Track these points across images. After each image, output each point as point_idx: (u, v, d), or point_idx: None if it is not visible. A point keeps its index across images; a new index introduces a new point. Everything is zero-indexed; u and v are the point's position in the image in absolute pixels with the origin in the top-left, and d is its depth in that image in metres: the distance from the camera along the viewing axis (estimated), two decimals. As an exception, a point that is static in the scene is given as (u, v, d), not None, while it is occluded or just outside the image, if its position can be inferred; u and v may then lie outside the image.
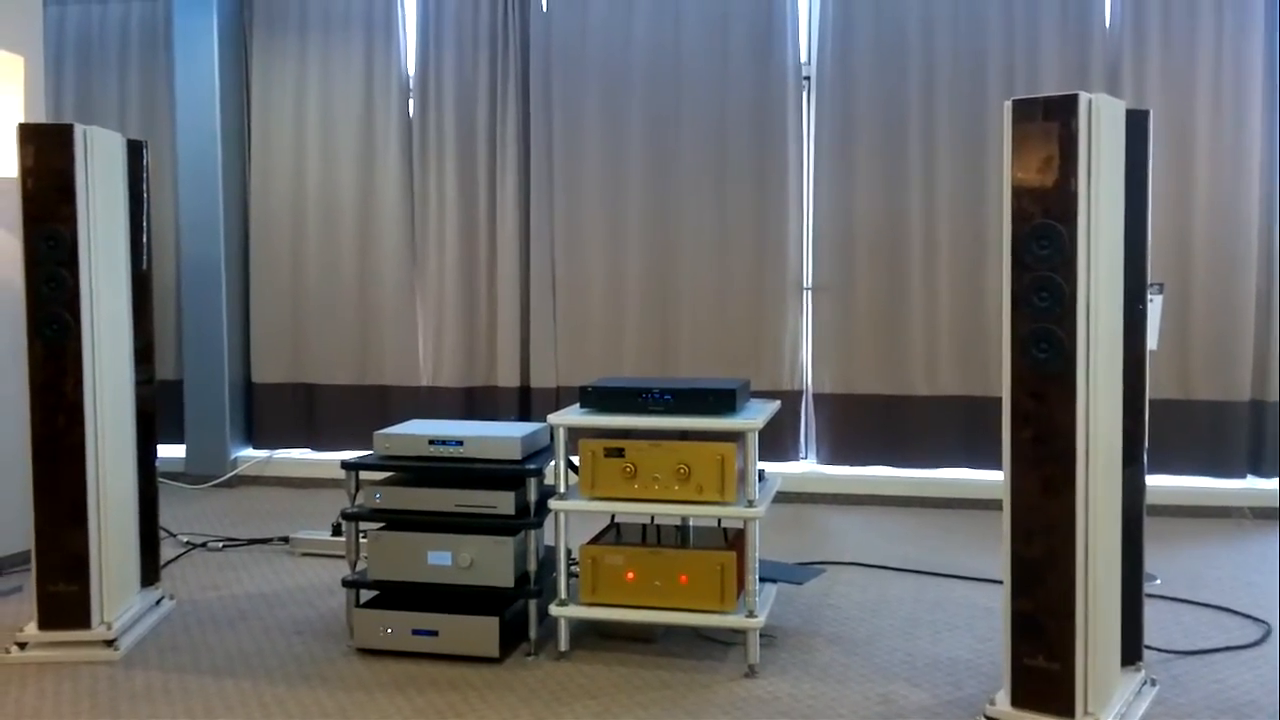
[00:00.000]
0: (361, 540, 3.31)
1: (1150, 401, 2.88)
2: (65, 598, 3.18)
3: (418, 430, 3.34)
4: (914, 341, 5.31)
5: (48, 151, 3.11)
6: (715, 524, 3.46)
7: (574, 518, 3.18)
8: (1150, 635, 3.29)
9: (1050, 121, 2.42)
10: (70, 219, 3.12)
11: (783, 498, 5.34)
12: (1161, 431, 4.99)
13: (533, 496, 3.21)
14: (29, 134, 3.12)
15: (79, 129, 3.14)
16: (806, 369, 5.51)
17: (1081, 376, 2.43)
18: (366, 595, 3.33)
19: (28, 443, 3.15)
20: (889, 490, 5.33)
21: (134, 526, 3.43)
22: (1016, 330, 2.48)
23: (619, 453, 3.09)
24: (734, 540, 3.23)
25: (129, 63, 6.02)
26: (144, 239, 3.50)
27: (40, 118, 4.34)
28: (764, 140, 5.41)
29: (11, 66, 3.63)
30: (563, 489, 3.15)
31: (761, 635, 3.19)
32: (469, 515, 3.19)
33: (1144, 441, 2.76)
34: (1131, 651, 2.80)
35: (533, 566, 3.21)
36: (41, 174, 3.11)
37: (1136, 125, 2.67)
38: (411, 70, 5.79)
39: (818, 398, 5.46)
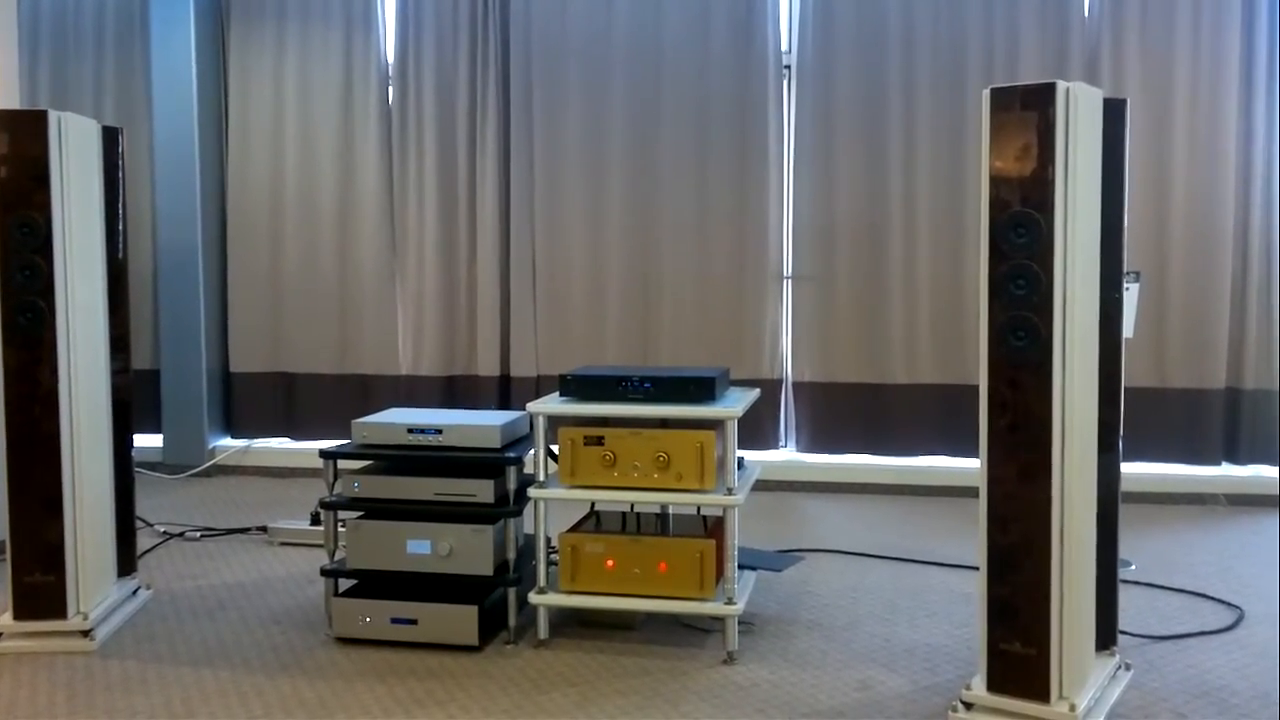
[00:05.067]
0: (340, 529, 3.30)
1: (1126, 389, 2.90)
2: (41, 588, 3.16)
3: (397, 419, 3.33)
4: (893, 330, 5.33)
5: (22, 138, 3.08)
6: (695, 512, 3.47)
7: (553, 506, 3.18)
8: (1125, 620, 3.31)
9: (1028, 110, 2.42)
10: (45, 206, 3.09)
11: (762, 485, 5.35)
12: (1137, 419, 5.03)
13: (512, 485, 3.21)
14: (2, 120, 3.09)
15: (54, 115, 3.10)
16: (786, 357, 5.52)
17: (1058, 364, 2.44)
18: (345, 584, 3.32)
19: (2, 432, 3.12)
20: (868, 478, 5.35)
21: (110, 516, 3.41)
22: (994, 318, 2.49)
23: (598, 441, 3.09)
24: (713, 528, 3.24)
25: (105, 49, 5.96)
26: (120, 227, 3.48)
27: (14, 104, 4.29)
28: (745, 129, 5.41)
29: (-16, 52, 3.59)
30: (542, 477, 3.15)
31: (740, 622, 3.20)
32: (448, 504, 3.19)
33: (1119, 429, 2.78)
34: (1106, 636, 2.82)
35: (512, 555, 3.21)
36: (15, 161, 3.08)
37: (1114, 114, 2.68)
38: (391, 58, 5.75)
39: (797, 386, 5.48)
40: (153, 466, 5.77)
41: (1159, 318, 5.10)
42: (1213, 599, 3.61)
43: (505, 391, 5.71)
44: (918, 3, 5.24)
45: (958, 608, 3.54)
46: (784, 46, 5.43)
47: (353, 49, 5.74)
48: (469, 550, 3.17)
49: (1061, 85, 2.41)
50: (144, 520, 4.68)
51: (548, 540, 3.18)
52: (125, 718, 2.71)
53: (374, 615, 3.17)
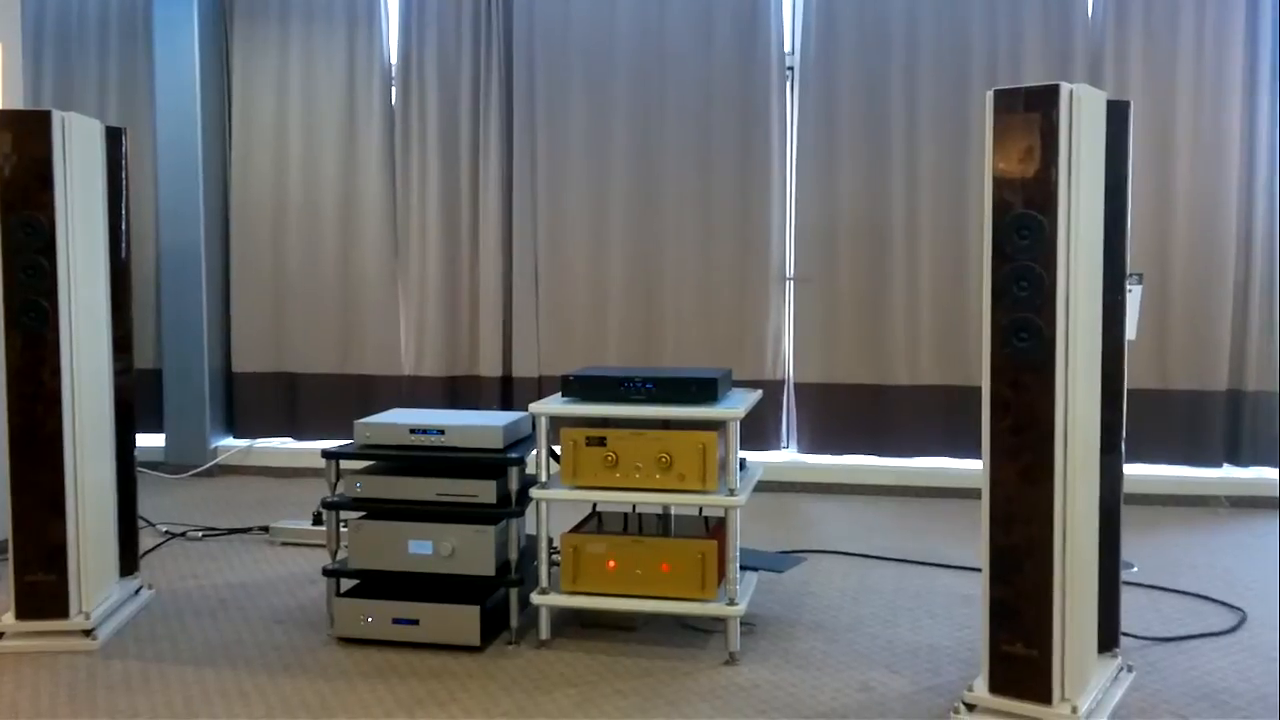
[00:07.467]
0: (342, 529, 3.31)
1: (1128, 391, 2.90)
2: (43, 587, 3.16)
3: (399, 419, 3.33)
4: (895, 331, 5.33)
5: (26, 138, 3.09)
6: (696, 513, 3.47)
7: (555, 506, 3.18)
8: (1127, 622, 3.31)
9: (1031, 112, 2.42)
10: (48, 206, 3.10)
11: (764, 486, 5.35)
12: (1139, 420, 5.02)
13: (514, 485, 3.21)
14: (7, 120, 3.09)
15: (57, 115, 3.11)
16: (788, 358, 5.52)
17: (1060, 366, 2.44)
18: (347, 584, 3.32)
19: (5, 432, 3.13)
20: (870, 479, 5.35)
21: (112, 516, 3.41)
22: (996, 320, 2.49)
23: (600, 442, 3.09)
24: (715, 529, 3.24)
25: (108, 49, 5.96)
26: (123, 227, 3.48)
27: (18, 104, 4.30)
28: (747, 130, 5.41)
29: (-13, 52, 3.60)
30: (544, 478, 3.15)
31: (742, 623, 3.20)
32: (450, 504, 3.19)
33: (1122, 430, 2.78)
34: (1108, 638, 2.82)
35: (514, 555, 3.21)
36: (19, 161, 3.08)
37: (1117, 116, 2.68)
38: (394, 58, 5.76)
39: (799, 387, 5.48)
40: (155, 466, 5.78)
41: (1161, 319, 5.10)
42: (1215, 601, 3.61)
43: (507, 392, 5.71)
44: (921, 3, 5.24)
45: (959, 609, 3.54)
46: (787, 47, 5.43)
47: (356, 49, 5.74)
48: (471, 551, 3.17)
49: (1065, 87, 2.41)
50: (146, 520, 4.68)
51: (550, 541, 3.18)
52: (127, 718, 2.72)
53: (376, 615, 3.17)
